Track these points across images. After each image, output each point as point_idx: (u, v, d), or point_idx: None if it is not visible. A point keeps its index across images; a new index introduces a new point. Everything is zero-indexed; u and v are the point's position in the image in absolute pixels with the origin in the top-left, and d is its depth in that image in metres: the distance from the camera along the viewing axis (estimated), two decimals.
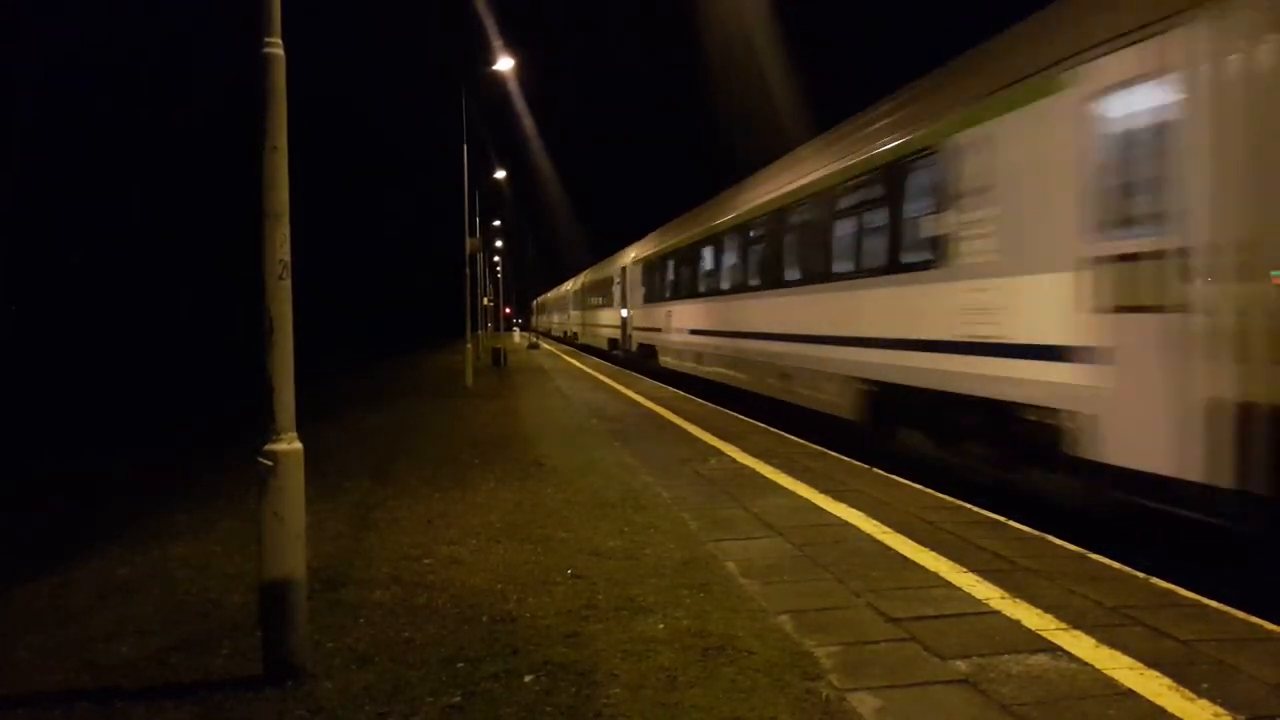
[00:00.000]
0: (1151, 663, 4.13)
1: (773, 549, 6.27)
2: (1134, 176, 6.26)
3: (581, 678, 4.11)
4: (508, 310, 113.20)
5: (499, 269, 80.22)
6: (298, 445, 4.24)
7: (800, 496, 8.04)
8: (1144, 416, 6.09)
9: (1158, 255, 5.97)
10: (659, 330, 23.98)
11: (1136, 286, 6.18)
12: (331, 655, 4.43)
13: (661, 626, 4.75)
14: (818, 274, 12.09)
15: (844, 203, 11.26)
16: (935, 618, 4.79)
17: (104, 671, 4.34)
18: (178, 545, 6.72)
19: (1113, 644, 4.35)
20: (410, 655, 4.43)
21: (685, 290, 20.81)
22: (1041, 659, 4.21)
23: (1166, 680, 3.94)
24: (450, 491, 8.63)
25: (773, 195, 14.34)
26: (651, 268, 25.28)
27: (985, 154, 7.99)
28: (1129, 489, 6.26)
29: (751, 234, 15.45)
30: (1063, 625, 4.63)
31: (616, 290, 32.07)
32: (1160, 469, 5.94)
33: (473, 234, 27.77)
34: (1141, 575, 5.47)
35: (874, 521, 6.96)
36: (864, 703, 3.78)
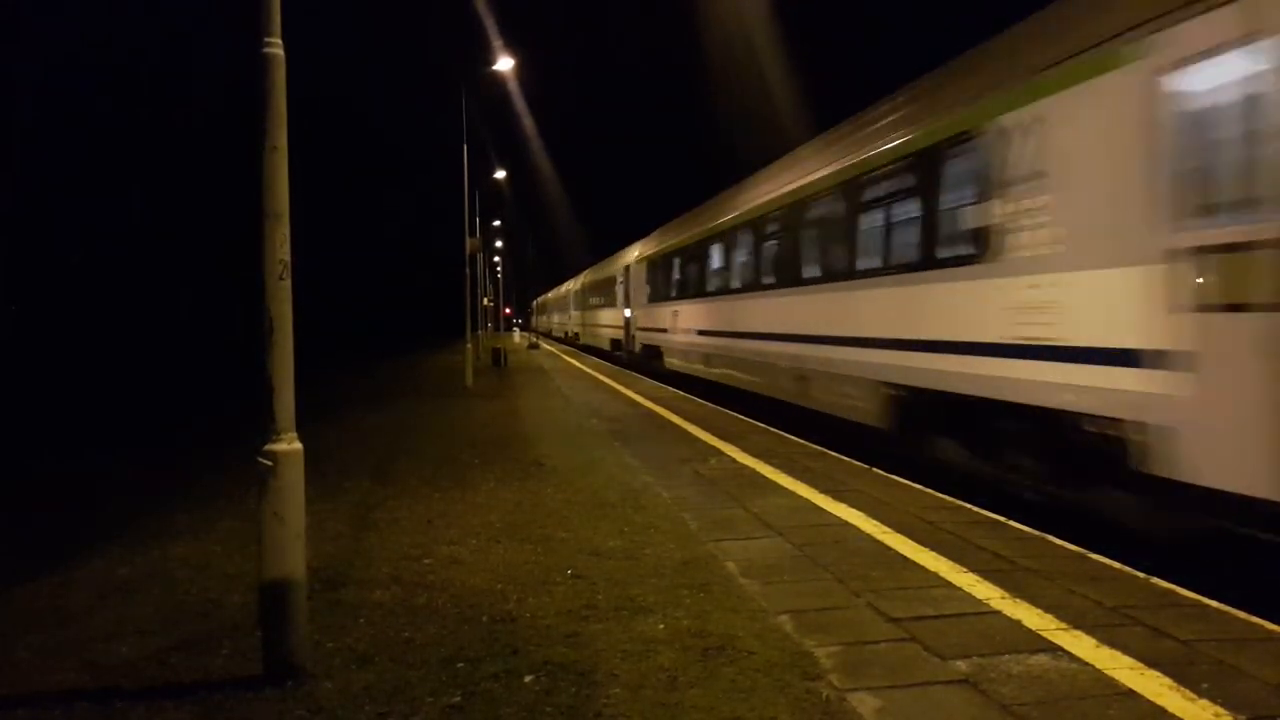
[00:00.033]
0: (1152, 663, 4.12)
1: (773, 549, 6.27)
2: (1226, 157, 5.52)
3: (581, 678, 4.11)
4: (508, 310, 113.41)
5: (499, 269, 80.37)
6: (298, 445, 4.24)
7: (800, 496, 8.04)
8: (1234, 430, 5.38)
9: (1255, 246, 5.22)
10: (665, 331, 23.12)
11: (1228, 282, 5.42)
12: (331, 655, 4.43)
13: (661, 626, 4.75)
14: (842, 271, 11.22)
15: (872, 194, 10.41)
16: (935, 618, 4.79)
17: (104, 671, 4.34)
18: (178, 545, 6.72)
19: (1113, 644, 4.35)
20: (410, 655, 4.43)
21: (693, 289, 19.88)
22: (1042, 659, 4.21)
23: (1167, 680, 3.94)
24: (450, 491, 8.63)
25: (791, 187, 13.40)
26: (657, 266, 24.29)
27: (1038, 136, 7.21)
28: (1211, 511, 5.62)
29: (767, 229, 14.50)
30: (1063, 625, 4.62)
31: (620, 289, 31.34)
32: (1251, 490, 5.24)
33: (473, 234, 27.78)
34: (1142, 575, 5.46)
35: (874, 521, 6.96)
36: (864, 703, 3.78)
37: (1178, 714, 3.64)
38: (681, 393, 18.97)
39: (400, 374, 30.16)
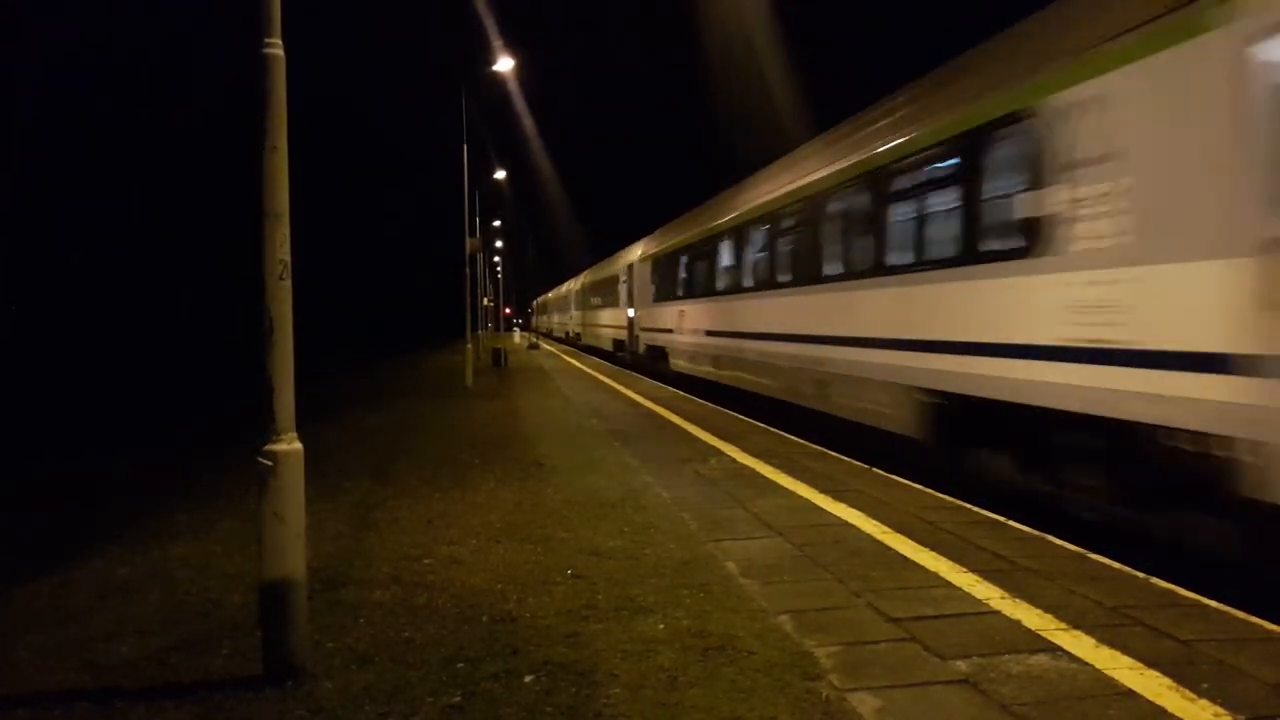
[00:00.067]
0: (1151, 663, 4.13)
1: (773, 549, 6.27)
2: None
3: (581, 678, 4.11)
4: (508, 310, 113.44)
5: (499, 269, 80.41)
6: (298, 445, 4.24)
7: (800, 496, 8.04)
8: None
9: None
10: (670, 331, 22.17)
11: None
12: (331, 655, 4.43)
13: (662, 626, 4.75)
14: (868, 267, 10.34)
15: (903, 183, 9.57)
16: (935, 618, 4.79)
17: (104, 671, 4.34)
18: (178, 545, 6.72)
19: (1113, 644, 4.35)
20: (410, 655, 4.43)
21: (702, 288, 18.75)
22: (1042, 659, 4.21)
23: (1166, 680, 3.94)
24: (450, 491, 8.63)
25: (812, 178, 12.37)
26: (663, 264, 23.14)
27: (1102, 115, 6.44)
28: None
29: (785, 223, 13.43)
30: (1063, 625, 4.62)
31: (622, 289, 30.28)
32: None
33: (473, 234, 27.79)
34: (1141, 575, 5.46)
35: (874, 521, 6.96)
36: (864, 703, 3.79)
37: (1177, 714, 3.64)
38: (681, 393, 18.97)
39: (400, 374, 30.16)
